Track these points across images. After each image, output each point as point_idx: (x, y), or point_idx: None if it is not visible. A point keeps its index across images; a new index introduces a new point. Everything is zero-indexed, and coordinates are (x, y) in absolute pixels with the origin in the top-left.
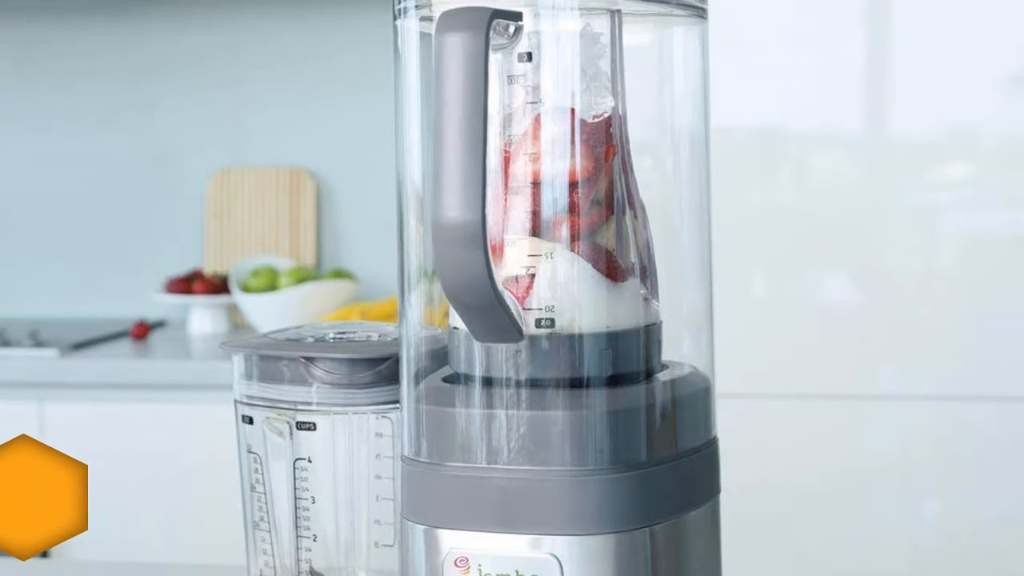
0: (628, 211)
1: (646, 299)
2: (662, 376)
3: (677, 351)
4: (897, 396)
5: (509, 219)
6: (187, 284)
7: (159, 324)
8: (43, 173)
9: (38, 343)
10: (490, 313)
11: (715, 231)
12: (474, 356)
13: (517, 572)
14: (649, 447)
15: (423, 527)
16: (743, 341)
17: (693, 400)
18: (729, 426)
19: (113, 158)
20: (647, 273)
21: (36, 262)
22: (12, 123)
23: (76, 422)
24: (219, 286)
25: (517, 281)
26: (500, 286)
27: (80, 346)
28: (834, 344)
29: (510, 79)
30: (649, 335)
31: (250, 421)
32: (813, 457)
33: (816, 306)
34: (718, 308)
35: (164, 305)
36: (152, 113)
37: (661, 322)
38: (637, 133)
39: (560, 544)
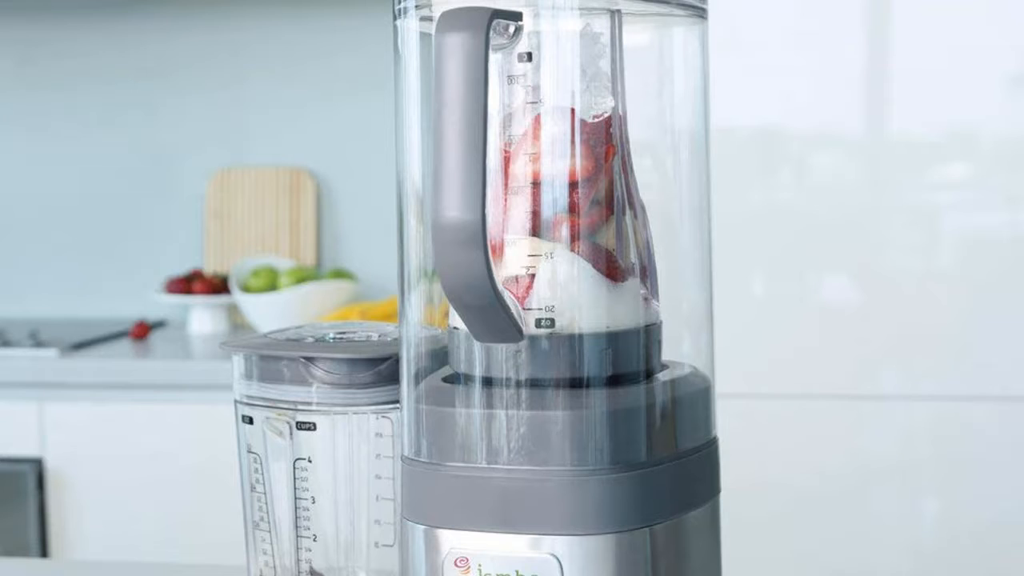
0: (628, 211)
1: (646, 299)
2: (662, 376)
3: (677, 351)
4: (897, 396)
5: (509, 219)
6: (187, 284)
7: (159, 324)
8: (43, 173)
9: (38, 343)
10: (490, 313)
11: (715, 231)
12: (474, 356)
13: (517, 572)
14: (649, 447)
15: (423, 527)
16: (743, 341)
17: (693, 400)
18: (729, 426)
19: (113, 158)
20: (647, 273)
21: (36, 262)
22: (12, 123)
23: (76, 422)
24: (219, 286)
25: (517, 281)
26: (500, 286)
27: (80, 346)
28: (834, 344)
29: (510, 79)
30: (649, 335)
31: (250, 421)
32: (813, 457)
33: (816, 306)
34: (718, 308)
35: (164, 305)
36: (152, 113)
37: (661, 322)
38: (637, 133)
39: (560, 544)
